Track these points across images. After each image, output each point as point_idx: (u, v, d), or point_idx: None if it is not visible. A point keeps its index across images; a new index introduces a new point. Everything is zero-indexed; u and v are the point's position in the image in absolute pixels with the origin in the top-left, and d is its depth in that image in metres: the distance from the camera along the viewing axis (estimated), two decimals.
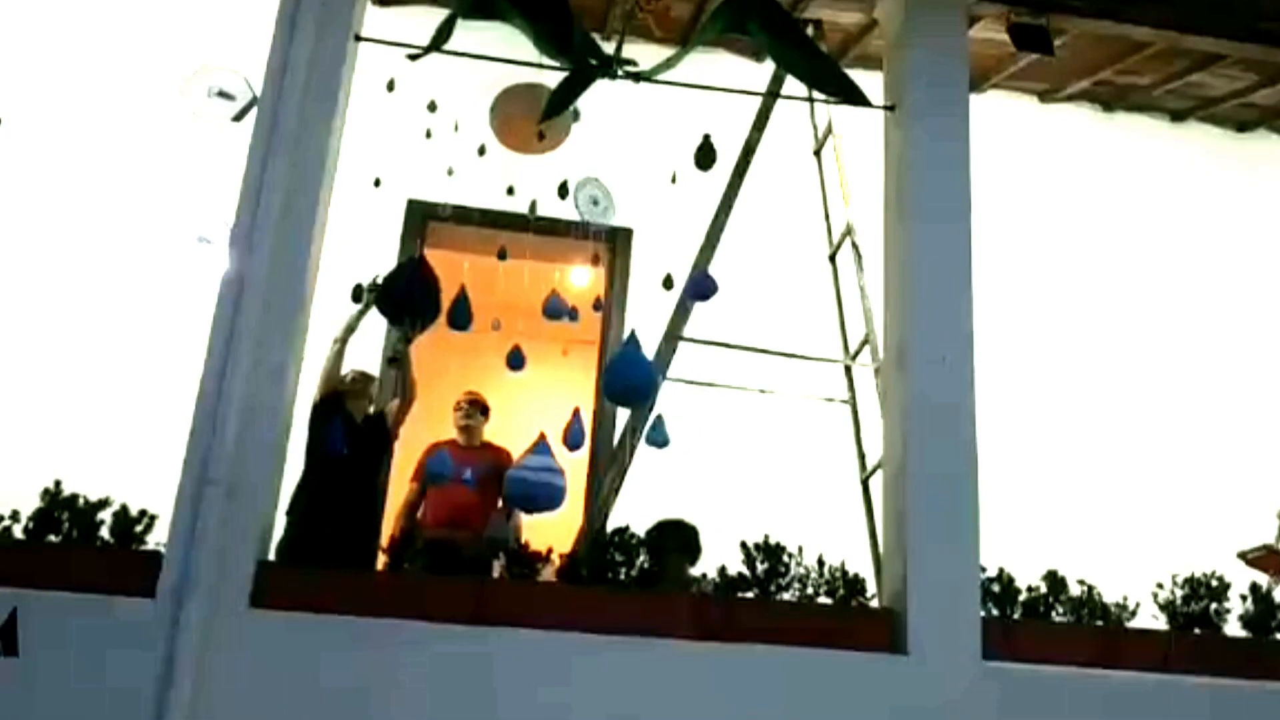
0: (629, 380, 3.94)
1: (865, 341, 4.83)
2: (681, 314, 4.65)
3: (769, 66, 5.45)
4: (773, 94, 4.98)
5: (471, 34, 4.04)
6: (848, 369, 4.97)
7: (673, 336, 4.65)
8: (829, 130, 5.18)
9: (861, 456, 4.82)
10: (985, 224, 3.97)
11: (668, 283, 4.49)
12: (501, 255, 4.77)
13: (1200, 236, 6.52)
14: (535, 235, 4.95)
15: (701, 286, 4.29)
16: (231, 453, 3.20)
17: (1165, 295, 6.38)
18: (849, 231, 5.05)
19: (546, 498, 3.76)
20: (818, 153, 5.25)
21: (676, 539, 4.40)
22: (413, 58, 4.01)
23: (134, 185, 5.59)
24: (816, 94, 4.11)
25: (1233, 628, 3.76)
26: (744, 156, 4.87)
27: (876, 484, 4.50)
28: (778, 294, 5.65)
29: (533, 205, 4.66)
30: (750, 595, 3.58)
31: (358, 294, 4.40)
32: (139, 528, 3.29)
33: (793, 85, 4.78)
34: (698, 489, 5.03)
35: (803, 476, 5.32)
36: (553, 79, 4.06)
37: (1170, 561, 3.85)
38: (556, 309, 4.50)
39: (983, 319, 3.82)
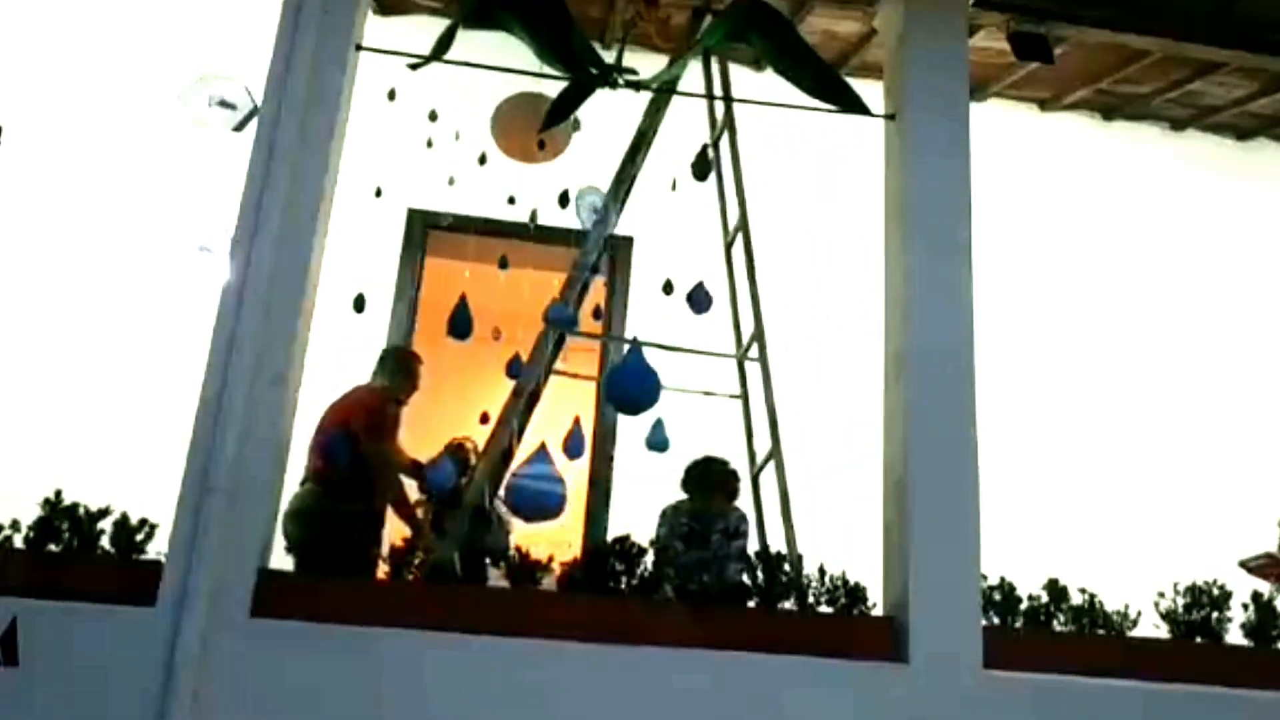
0: (631, 388, 3.94)
1: (755, 337, 4.74)
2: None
3: (769, 75, 5.46)
4: (669, 89, 4.80)
5: (472, 43, 4.05)
6: (740, 363, 4.88)
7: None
8: (727, 122, 5.01)
9: (751, 453, 4.73)
10: (986, 232, 3.98)
11: (668, 289, 4.48)
12: (502, 264, 4.77)
13: (1200, 245, 6.53)
14: (536, 244, 4.95)
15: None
16: (232, 461, 3.20)
17: (1166, 304, 6.38)
18: (743, 224, 4.84)
19: (547, 506, 3.76)
20: (715, 145, 5.11)
21: (713, 476, 4.58)
22: (414, 67, 4.03)
23: (135, 194, 5.60)
24: (815, 101, 4.09)
25: (1234, 636, 3.76)
26: (635, 144, 4.71)
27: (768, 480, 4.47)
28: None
29: (533, 214, 4.67)
30: (751, 604, 3.58)
31: (359, 304, 4.40)
32: (139, 536, 3.29)
33: (692, 82, 4.78)
34: None
35: (804, 483, 5.31)
36: (554, 88, 4.06)
37: (1172, 570, 3.85)
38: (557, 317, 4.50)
39: (983, 327, 3.82)
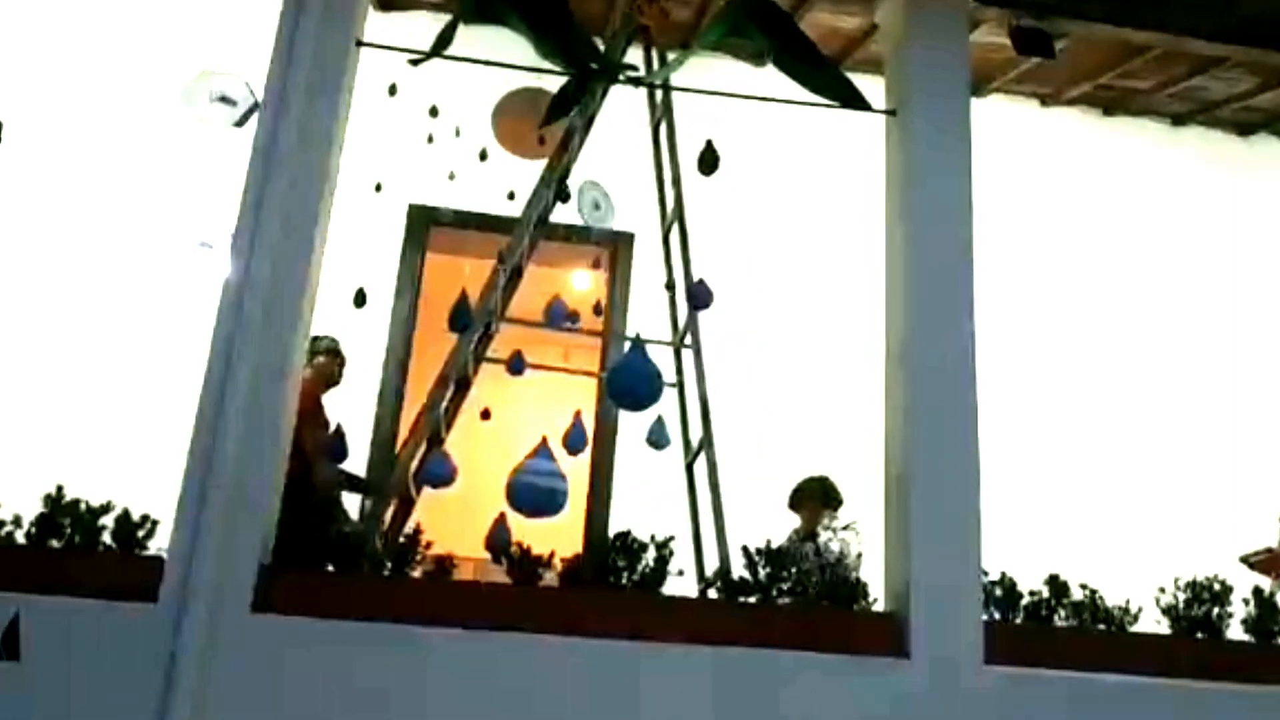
0: (633, 383, 3.94)
1: (689, 326, 4.69)
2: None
3: (770, 70, 5.45)
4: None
5: (473, 39, 4.05)
6: (677, 351, 4.85)
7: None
8: (666, 108, 4.90)
9: (686, 441, 4.69)
10: (987, 228, 3.97)
11: (669, 285, 4.49)
12: (501, 259, 4.77)
13: (1201, 240, 6.53)
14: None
15: None
16: (233, 457, 3.20)
17: (1166, 299, 6.38)
18: (678, 211, 4.82)
19: (549, 502, 3.76)
20: (656, 129, 5.08)
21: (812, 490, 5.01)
22: (414, 63, 4.02)
23: (136, 190, 5.61)
24: (816, 96, 4.08)
25: (1235, 632, 3.76)
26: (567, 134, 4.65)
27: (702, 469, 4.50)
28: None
29: None
30: (752, 599, 3.58)
31: (360, 299, 4.40)
32: (141, 532, 3.28)
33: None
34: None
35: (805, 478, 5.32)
36: (554, 84, 4.06)
37: (1172, 565, 3.85)
38: (558, 313, 4.50)
39: (984, 322, 3.82)
